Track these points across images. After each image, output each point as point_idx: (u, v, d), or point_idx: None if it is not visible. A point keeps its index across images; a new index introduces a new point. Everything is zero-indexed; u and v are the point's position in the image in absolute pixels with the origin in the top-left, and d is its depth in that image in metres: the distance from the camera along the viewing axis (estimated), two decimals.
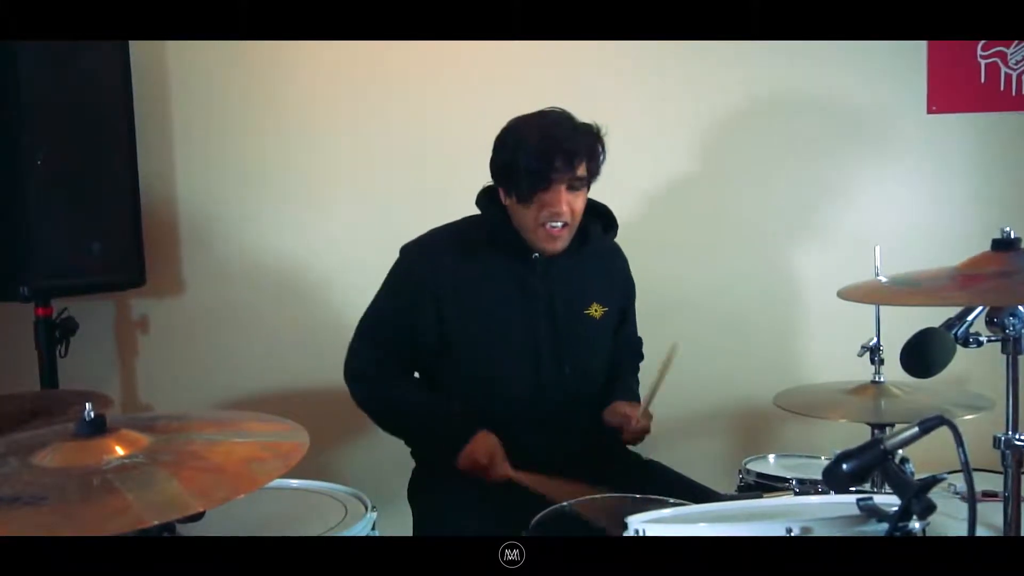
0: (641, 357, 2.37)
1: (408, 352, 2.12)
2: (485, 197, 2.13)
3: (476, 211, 2.16)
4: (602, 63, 2.93)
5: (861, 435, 2.12)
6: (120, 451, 1.26)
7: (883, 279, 1.88)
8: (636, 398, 2.19)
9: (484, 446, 1.97)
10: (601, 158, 2.03)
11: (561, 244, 2.02)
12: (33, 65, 2.42)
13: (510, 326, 2.07)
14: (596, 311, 2.15)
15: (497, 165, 2.04)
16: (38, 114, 2.43)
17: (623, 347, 2.30)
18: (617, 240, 2.22)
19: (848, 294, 1.71)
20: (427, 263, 2.10)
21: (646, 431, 2.07)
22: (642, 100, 2.89)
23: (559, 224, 1.98)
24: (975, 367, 2.05)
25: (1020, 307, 1.61)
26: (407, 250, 2.16)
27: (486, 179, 2.16)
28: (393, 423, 2.14)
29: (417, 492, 2.18)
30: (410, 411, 2.09)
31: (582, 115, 2.05)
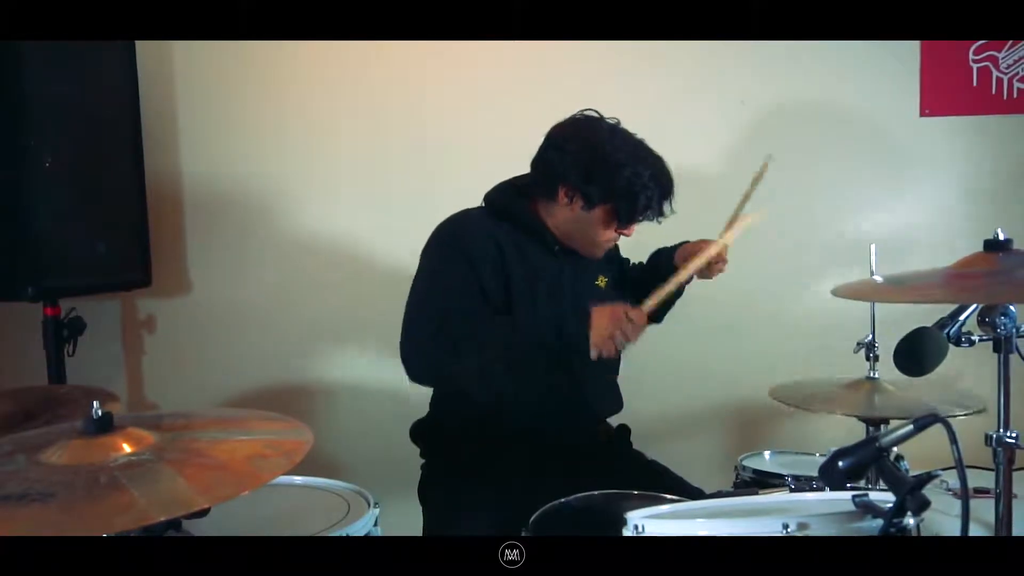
0: None
1: (465, 316, 1.99)
2: (511, 191, 2.16)
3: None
4: (603, 65, 2.95)
5: (856, 432, 2.15)
6: (127, 449, 1.26)
7: (878, 278, 1.90)
8: None
9: (608, 316, 1.91)
10: None
11: None
12: (40, 67, 2.43)
13: (544, 297, 2.08)
14: (602, 282, 2.23)
15: (605, 181, 2.00)
16: (45, 116, 2.45)
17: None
18: None
19: (841, 292, 1.74)
20: (474, 231, 2.08)
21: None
22: (638, 102, 2.90)
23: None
24: (967, 366, 2.06)
25: (1011, 307, 1.63)
26: (449, 222, 2.12)
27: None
28: (483, 371, 1.97)
29: (427, 492, 2.20)
30: (500, 346, 1.96)
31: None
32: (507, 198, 2.15)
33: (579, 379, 2.12)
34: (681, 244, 2.28)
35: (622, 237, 2.13)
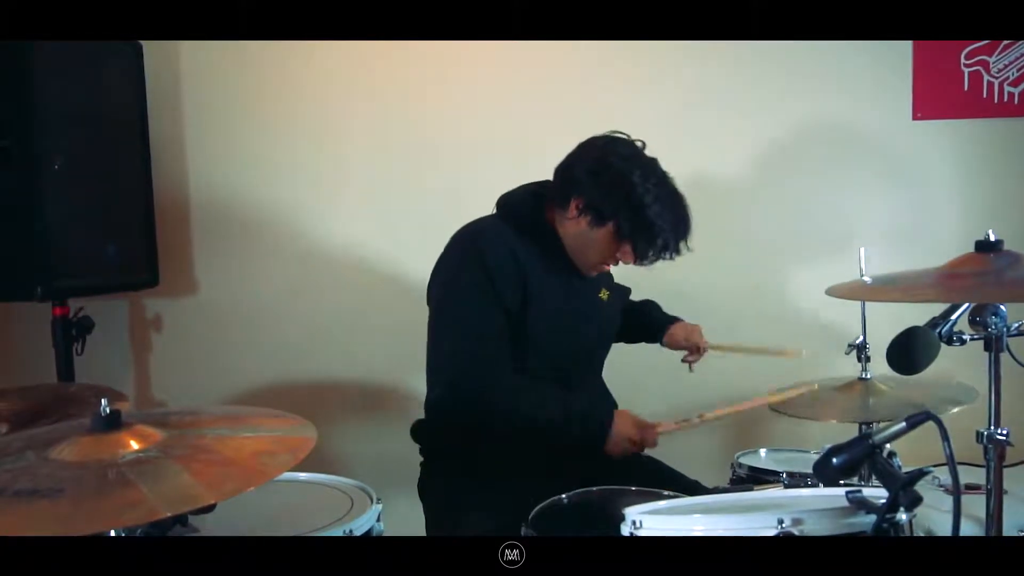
0: None
1: (500, 335, 2.03)
2: (527, 197, 2.16)
3: (487, 211, 2.18)
4: (604, 66, 2.96)
5: (849, 430, 2.16)
6: (135, 445, 1.26)
7: (868, 279, 1.92)
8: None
9: (627, 426, 2.03)
10: None
11: None
12: (50, 70, 2.45)
13: (561, 310, 2.10)
14: (604, 294, 2.28)
15: (627, 210, 1.99)
16: (55, 118, 2.46)
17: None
18: None
19: (835, 291, 1.76)
20: (492, 245, 2.06)
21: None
22: (637, 103, 2.93)
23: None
24: (958, 365, 2.08)
25: (1002, 307, 1.66)
26: (468, 237, 2.11)
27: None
28: (511, 427, 2.04)
29: (427, 489, 2.22)
30: (534, 422, 2.01)
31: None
32: (522, 205, 2.15)
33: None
34: (675, 321, 2.39)
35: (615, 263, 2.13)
